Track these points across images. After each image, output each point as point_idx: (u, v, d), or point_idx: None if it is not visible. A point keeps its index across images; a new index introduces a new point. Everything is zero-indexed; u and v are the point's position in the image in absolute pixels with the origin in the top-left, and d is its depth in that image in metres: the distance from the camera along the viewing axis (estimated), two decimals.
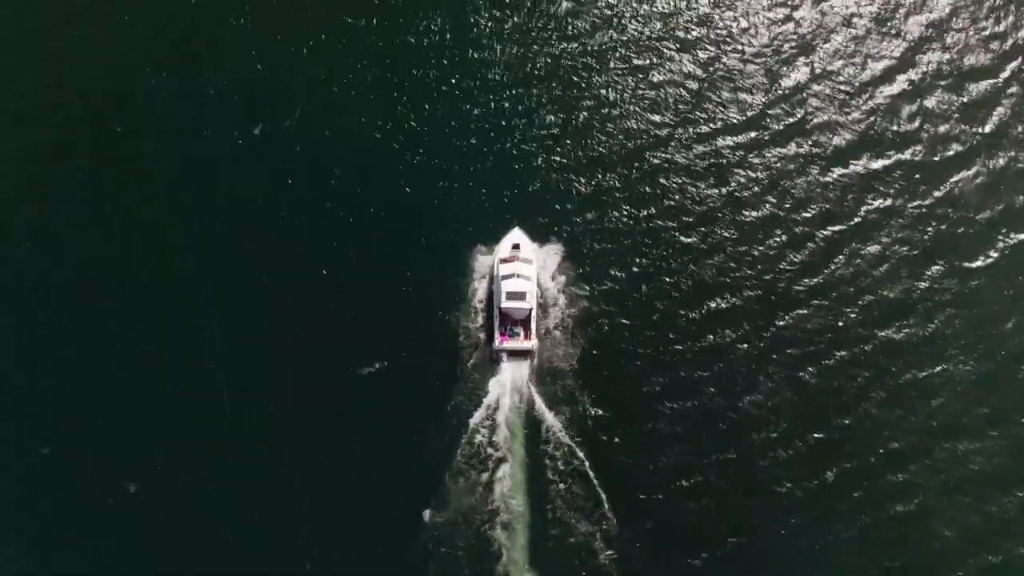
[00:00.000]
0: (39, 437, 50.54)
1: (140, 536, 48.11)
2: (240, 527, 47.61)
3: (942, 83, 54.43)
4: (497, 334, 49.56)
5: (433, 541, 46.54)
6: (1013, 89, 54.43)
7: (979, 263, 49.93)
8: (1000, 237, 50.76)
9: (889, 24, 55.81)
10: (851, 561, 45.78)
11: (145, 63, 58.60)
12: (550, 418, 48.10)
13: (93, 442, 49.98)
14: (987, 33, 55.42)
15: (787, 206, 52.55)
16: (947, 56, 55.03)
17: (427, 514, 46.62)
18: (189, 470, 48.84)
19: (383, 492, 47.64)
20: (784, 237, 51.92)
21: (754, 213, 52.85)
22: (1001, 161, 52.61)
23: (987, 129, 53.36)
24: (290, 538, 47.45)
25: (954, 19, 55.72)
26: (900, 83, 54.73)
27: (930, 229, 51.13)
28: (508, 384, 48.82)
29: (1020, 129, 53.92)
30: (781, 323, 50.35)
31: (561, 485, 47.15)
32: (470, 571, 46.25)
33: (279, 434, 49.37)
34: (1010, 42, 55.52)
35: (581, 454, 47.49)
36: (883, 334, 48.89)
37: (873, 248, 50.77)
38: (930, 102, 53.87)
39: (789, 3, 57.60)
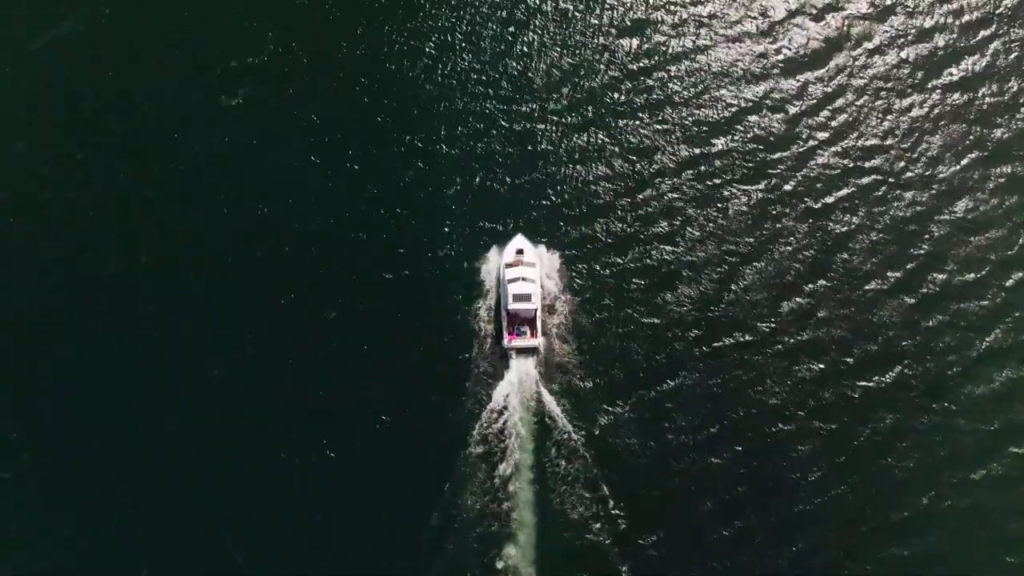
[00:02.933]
0: (39, 436, 50.34)
1: (140, 537, 48.21)
2: (242, 526, 48.18)
3: (945, 298, 54.07)
4: (506, 334, 52.47)
5: (441, 534, 48.13)
6: (1015, 298, 53.88)
7: (983, 473, 50.01)
8: (1005, 448, 50.62)
9: (887, 242, 55.58)
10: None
11: (152, 63, 59.77)
12: (557, 410, 51.01)
13: (93, 442, 50.02)
14: (984, 245, 55.12)
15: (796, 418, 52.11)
16: (949, 275, 54.55)
17: (436, 510, 48.51)
18: (191, 469, 49.29)
19: (394, 487, 49.14)
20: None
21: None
22: (1008, 373, 52.33)
23: (992, 342, 53.05)
24: (293, 537, 48.30)
25: (952, 236, 55.38)
26: (906, 298, 54.04)
27: (937, 440, 50.79)
28: (517, 379, 51.61)
29: None
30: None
31: (568, 477, 49.57)
32: (477, 564, 47.80)
33: (286, 430, 50.41)
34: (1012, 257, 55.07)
35: (585, 446, 50.17)
36: (892, 549, 48.68)
37: (880, 464, 50.37)
38: (933, 317, 53.56)
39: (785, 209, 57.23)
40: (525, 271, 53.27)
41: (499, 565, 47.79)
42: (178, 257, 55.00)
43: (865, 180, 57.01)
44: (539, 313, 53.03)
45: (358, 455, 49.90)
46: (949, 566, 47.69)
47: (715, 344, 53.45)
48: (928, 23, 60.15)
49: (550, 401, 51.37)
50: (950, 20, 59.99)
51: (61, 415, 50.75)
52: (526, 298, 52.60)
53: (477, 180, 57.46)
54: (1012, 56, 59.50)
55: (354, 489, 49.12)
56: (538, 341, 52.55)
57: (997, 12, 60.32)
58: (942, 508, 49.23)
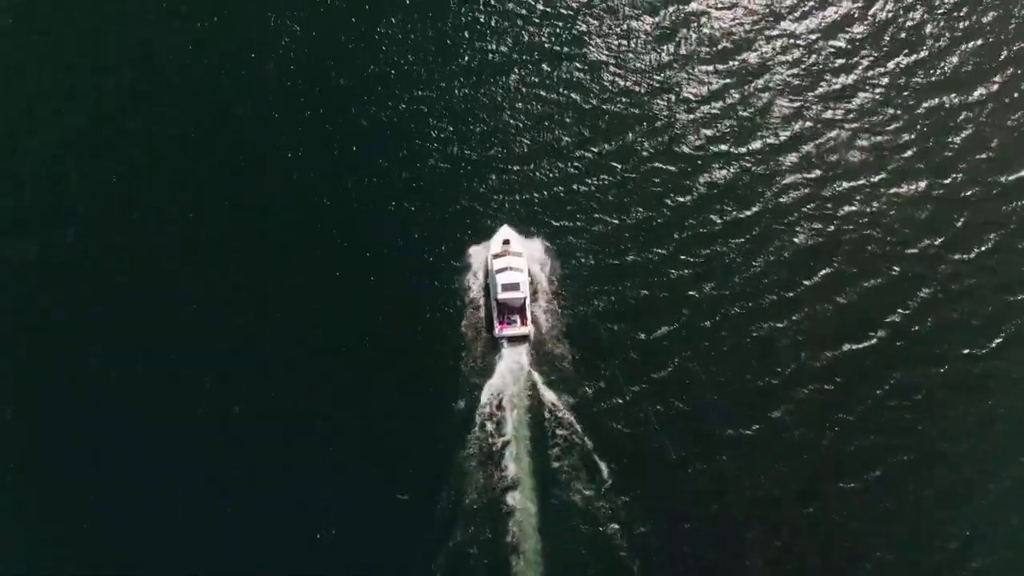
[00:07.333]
0: (37, 436, 51.21)
1: (142, 538, 48.48)
2: (238, 529, 48.42)
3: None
4: (496, 323, 53.14)
5: (444, 527, 48.24)
6: None
7: None
8: None
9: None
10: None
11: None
12: (551, 395, 51.53)
13: (93, 442, 50.60)
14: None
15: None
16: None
17: (436, 504, 48.69)
18: (186, 472, 49.66)
19: (391, 482, 49.26)
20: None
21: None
22: None
23: None
24: (293, 533, 48.54)
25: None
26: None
27: None
28: (510, 367, 52.30)
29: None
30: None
31: (566, 461, 49.83)
32: (479, 556, 47.78)
33: (284, 427, 50.89)
34: None
35: (580, 427, 50.51)
36: None
37: None
38: None
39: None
40: (513, 261, 53.93)
41: (502, 554, 47.90)
42: (161, 259, 55.90)
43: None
44: (528, 301, 53.61)
45: (356, 452, 50.31)
46: None
47: (705, 323, 53.78)
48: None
49: (543, 387, 51.90)
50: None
51: (57, 414, 51.50)
52: (515, 287, 53.23)
53: (461, 173, 58.19)
54: None
55: (354, 486, 49.34)
56: (528, 329, 53.15)
57: None
58: None
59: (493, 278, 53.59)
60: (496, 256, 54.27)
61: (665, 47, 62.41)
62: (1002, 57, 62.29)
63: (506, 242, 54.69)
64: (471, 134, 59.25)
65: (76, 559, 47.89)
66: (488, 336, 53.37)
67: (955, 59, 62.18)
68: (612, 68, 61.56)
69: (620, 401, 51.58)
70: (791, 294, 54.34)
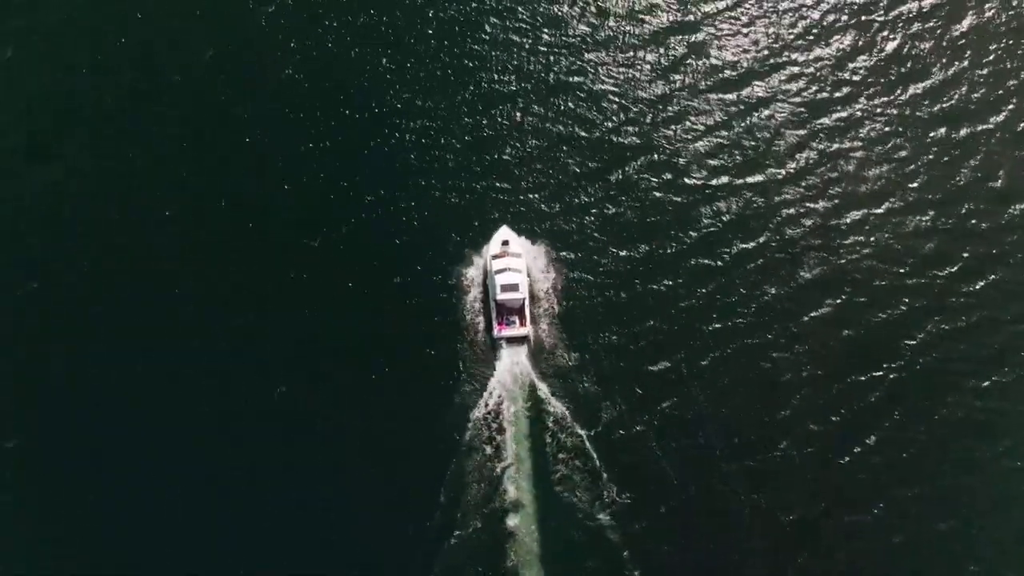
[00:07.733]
0: (37, 435, 51.14)
1: (142, 538, 48.41)
2: (243, 524, 48.39)
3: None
4: (495, 324, 53.23)
5: (441, 530, 48.07)
6: None
7: None
8: None
9: None
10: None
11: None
12: (550, 396, 51.60)
13: (93, 441, 50.49)
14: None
15: None
16: None
17: (434, 507, 48.46)
18: (182, 473, 49.64)
19: (389, 485, 49.27)
20: None
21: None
22: None
23: None
24: (293, 533, 48.60)
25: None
26: None
27: None
28: (509, 368, 52.37)
29: None
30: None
31: (566, 463, 49.76)
32: (478, 560, 47.67)
33: (284, 427, 50.83)
34: None
35: (581, 430, 50.54)
36: None
37: None
38: None
39: None
40: (512, 261, 54.03)
41: (501, 559, 47.71)
42: (159, 261, 55.94)
43: None
44: (527, 302, 53.74)
45: (356, 452, 50.36)
46: None
47: (710, 354, 53.47)
48: None
49: (543, 388, 51.95)
50: None
51: (58, 417, 51.45)
52: (514, 288, 53.34)
53: (459, 174, 58.40)
54: None
55: (351, 488, 49.32)
56: (527, 330, 53.26)
57: None
58: None
59: (492, 279, 53.72)
60: (495, 257, 54.40)
61: (670, 77, 62.32)
62: (1010, 87, 61.91)
63: (505, 243, 54.82)
64: (472, 160, 59.23)
65: (76, 559, 47.89)
66: (487, 337, 53.47)
67: (962, 89, 61.77)
68: (616, 98, 61.43)
69: (623, 430, 50.92)
70: (796, 326, 53.91)
